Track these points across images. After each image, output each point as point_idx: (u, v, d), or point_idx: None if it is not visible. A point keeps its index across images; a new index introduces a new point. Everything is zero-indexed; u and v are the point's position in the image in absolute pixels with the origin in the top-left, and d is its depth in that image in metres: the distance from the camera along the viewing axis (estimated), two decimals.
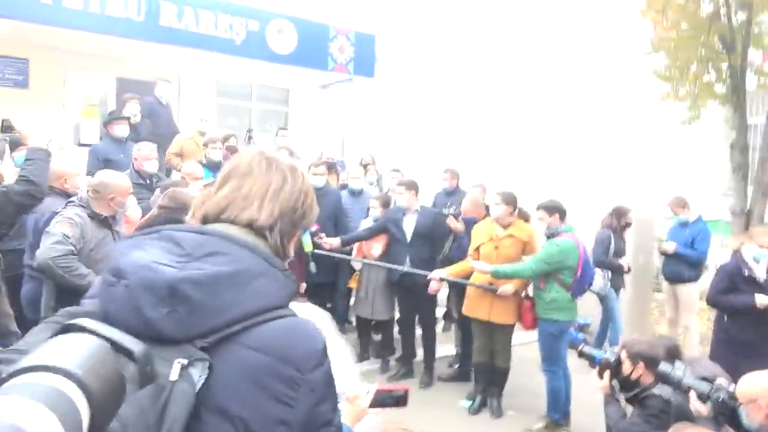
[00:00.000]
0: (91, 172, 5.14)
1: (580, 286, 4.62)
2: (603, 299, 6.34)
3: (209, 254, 0.94)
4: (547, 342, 4.65)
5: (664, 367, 2.49)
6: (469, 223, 5.28)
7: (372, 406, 1.83)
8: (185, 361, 0.85)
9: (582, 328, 6.98)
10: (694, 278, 6.32)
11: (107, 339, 0.80)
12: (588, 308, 6.39)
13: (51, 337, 0.78)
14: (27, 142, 2.33)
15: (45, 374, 0.64)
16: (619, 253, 6.28)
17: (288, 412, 0.91)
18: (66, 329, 0.80)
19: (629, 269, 6.32)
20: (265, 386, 0.90)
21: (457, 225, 5.28)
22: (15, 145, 4.57)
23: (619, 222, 6.32)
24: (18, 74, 7.80)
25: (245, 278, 0.94)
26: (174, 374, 0.83)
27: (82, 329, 0.80)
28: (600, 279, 5.91)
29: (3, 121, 2.38)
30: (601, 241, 6.24)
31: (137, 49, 7.79)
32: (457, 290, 5.48)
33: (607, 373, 2.83)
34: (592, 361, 2.93)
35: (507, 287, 4.73)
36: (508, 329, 4.93)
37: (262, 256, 0.99)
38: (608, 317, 6.43)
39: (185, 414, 0.82)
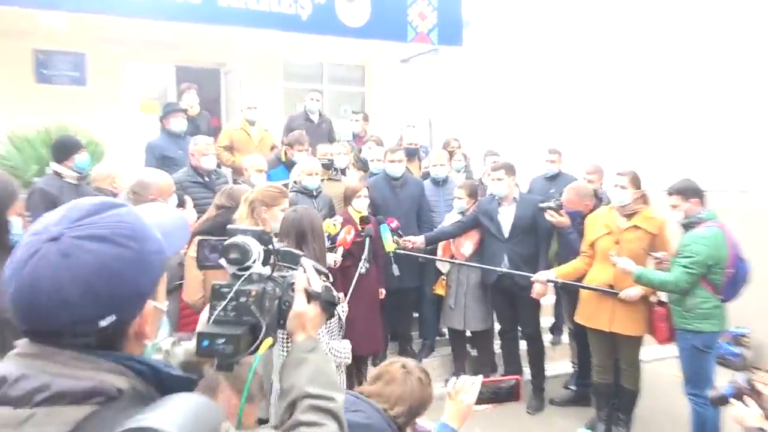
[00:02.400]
0: None
1: (734, 287, 4.13)
2: None
3: (357, 410, 2.04)
4: (689, 359, 4.21)
5: None
6: (575, 217, 4.88)
7: (480, 402, 1.94)
8: None
9: (737, 339, 6.31)
10: None
11: None
12: (745, 314, 5.72)
13: None
14: None
15: None
16: None
17: None
18: None
19: None
20: None
21: (559, 219, 4.89)
22: (67, 150, 4.79)
23: None
24: (75, 70, 8.30)
25: (371, 429, 2.02)
26: None
27: None
28: None
29: None
30: None
31: (196, 33, 8.02)
32: (571, 295, 5.13)
33: (750, 401, 2.50)
34: (724, 401, 2.60)
35: (632, 290, 4.32)
36: (635, 342, 4.54)
37: (386, 420, 2.09)
38: None
39: None
